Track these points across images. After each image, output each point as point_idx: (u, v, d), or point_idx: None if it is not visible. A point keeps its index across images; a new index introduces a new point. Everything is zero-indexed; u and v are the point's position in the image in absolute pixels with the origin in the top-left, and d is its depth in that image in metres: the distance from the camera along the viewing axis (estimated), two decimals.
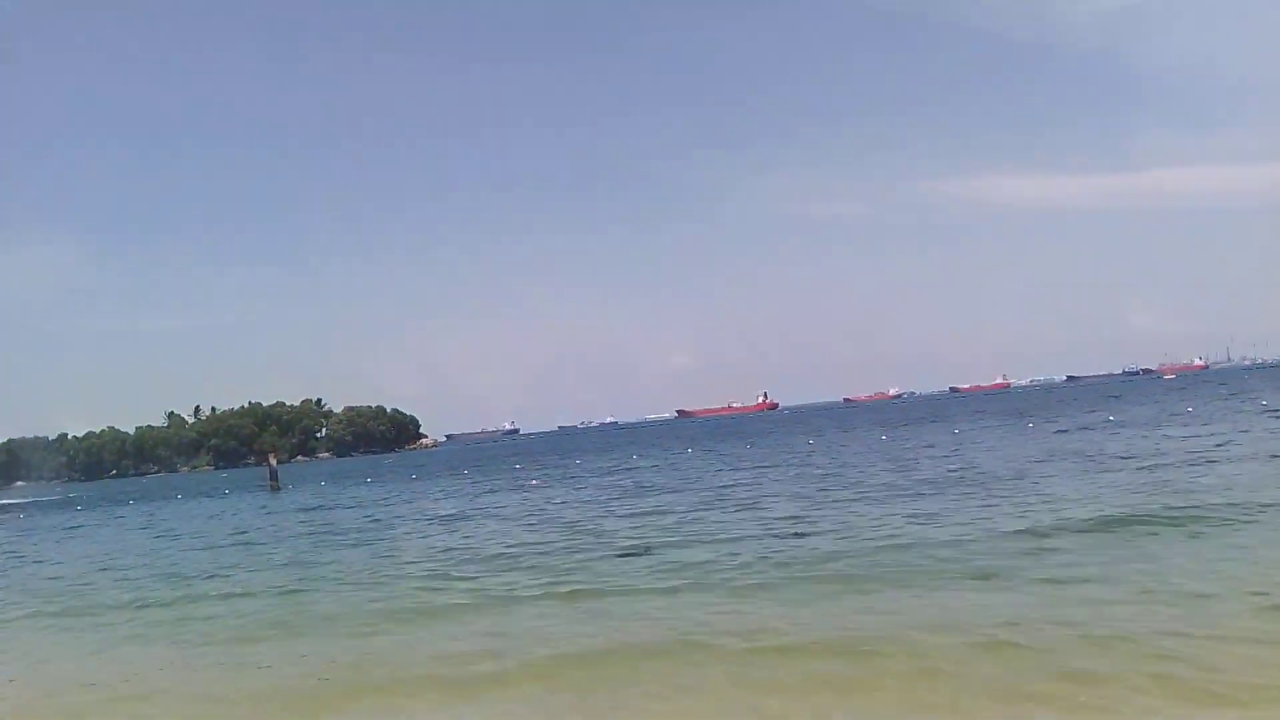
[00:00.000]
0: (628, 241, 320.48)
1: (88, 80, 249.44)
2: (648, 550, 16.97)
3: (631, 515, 23.52)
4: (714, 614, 11.40)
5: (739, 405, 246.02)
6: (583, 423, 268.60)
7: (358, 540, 24.44)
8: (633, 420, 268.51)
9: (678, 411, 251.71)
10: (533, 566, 16.57)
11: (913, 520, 17.61)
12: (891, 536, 15.92)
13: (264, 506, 45.37)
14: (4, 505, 74.84)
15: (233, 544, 27.07)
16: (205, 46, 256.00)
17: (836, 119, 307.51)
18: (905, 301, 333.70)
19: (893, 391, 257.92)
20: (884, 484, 25.28)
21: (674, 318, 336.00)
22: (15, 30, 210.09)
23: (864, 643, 9.44)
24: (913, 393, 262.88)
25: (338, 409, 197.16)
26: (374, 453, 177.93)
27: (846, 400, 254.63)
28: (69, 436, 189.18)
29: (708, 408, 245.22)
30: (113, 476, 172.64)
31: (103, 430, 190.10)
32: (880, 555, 14.24)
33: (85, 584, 20.73)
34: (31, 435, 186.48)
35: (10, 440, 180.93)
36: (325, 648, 11.74)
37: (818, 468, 34.51)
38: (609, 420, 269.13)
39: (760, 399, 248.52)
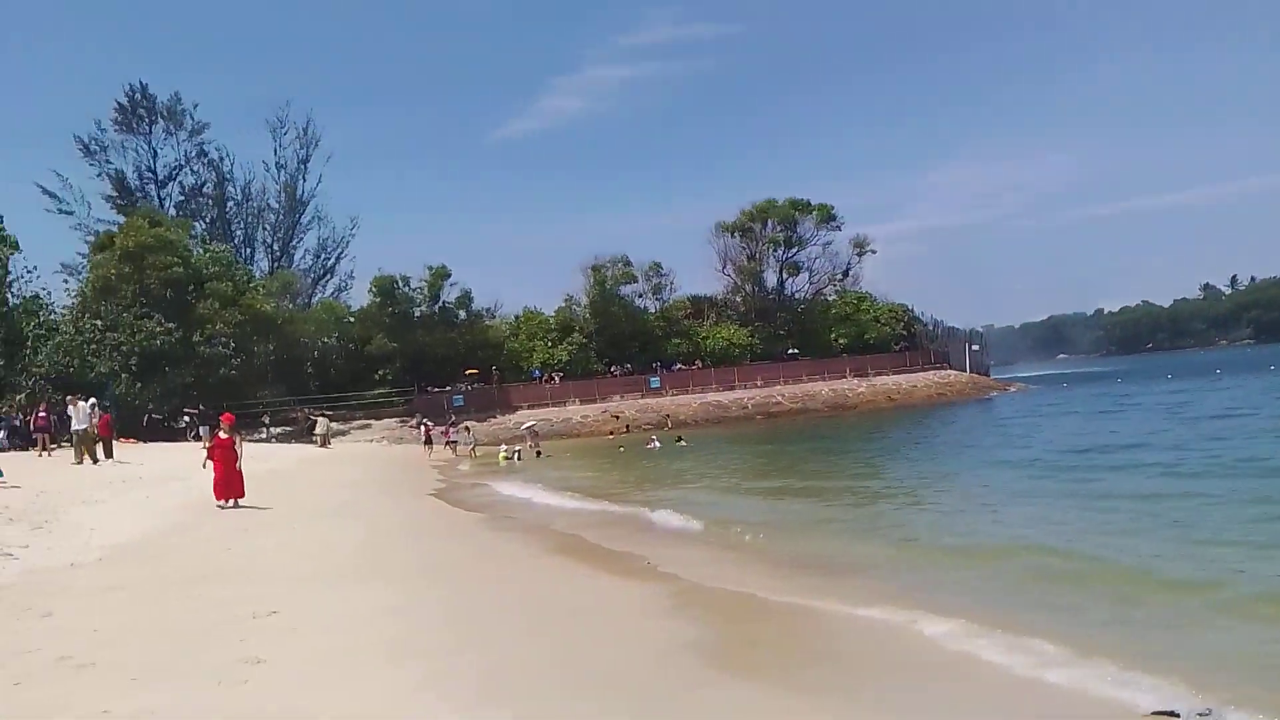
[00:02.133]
0: None
1: None
2: None
3: None
4: None
5: None
6: None
7: None
8: None
9: None
10: None
11: None
12: None
13: None
14: (1049, 375, 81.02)
15: None
16: None
17: None
18: None
19: None
20: None
21: None
22: None
23: None
24: None
25: None
26: None
27: None
28: (1104, 312, 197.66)
29: None
30: (1147, 350, 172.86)
31: (1137, 305, 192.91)
32: None
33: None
34: (1071, 312, 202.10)
35: (1052, 316, 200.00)
36: None
37: None
38: None
39: None
